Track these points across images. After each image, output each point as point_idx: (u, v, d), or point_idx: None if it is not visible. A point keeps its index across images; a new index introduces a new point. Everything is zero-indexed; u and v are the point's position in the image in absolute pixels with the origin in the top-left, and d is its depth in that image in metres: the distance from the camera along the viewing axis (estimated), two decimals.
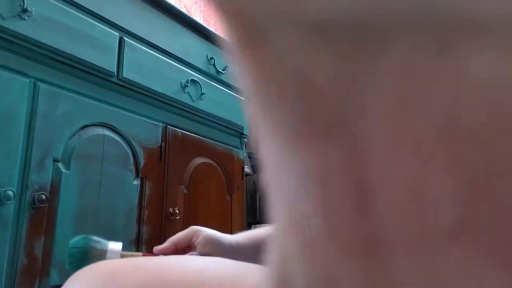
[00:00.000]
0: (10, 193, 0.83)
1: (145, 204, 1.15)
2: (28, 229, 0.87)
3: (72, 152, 0.98)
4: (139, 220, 1.12)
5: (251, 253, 0.60)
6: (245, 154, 1.59)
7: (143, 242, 1.12)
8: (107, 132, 1.08)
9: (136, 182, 1.13)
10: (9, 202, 0.83)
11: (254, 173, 2.39)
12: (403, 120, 0.10)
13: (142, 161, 1.15)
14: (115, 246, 0.56)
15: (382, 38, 0.10)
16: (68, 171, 0.97)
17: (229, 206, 1.47)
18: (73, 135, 0.99)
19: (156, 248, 0.60)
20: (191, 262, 0.36)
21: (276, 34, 0.10)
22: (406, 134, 0.10)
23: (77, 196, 0.98)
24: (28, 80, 0.92)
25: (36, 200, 0.88)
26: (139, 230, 1.11)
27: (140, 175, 1.15)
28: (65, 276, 0.98)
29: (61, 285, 0.96)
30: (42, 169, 0.91)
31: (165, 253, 0.59)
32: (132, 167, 1.13)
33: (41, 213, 0.90)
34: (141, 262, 0.35)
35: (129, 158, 1.12)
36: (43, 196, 0.89)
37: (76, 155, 0.99)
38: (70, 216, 0.95)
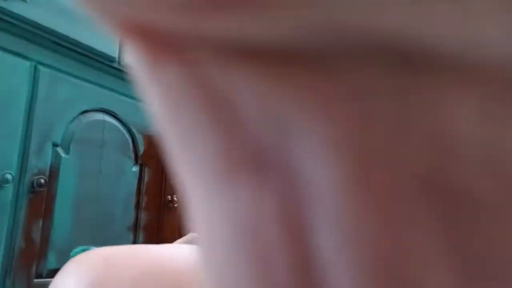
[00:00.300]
0: (9, 176, 0.83)
1: (144, 191, 1.15)
2: (26, 212, 0.87)
3: (71, 137, 0.98)
4: (138, 206, 1.13)
5: None
6: None
7: (140, 228, 1.12)
8: (107, 118, 1.07)
9: (135, 169, 1.13)
10: (7, 185, 0.83)
11: None
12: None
13: (141, 148, 1.15)
14: None
15: (321, 67, 0.08)
16: (68, 156, 0.97)
17: None
18: (73, 120, 0.99)
19: None
20: (194, 250, 0.35)
21: (190, 53, 0.08)
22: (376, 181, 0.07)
23: (76, 181, 0.98)
24: (29, 63, 0.91)
25: (35, 184, 0.88)
26: (137, 216, 1.12)
27: (139, 161, 1.15)
28: (63, 260, 0.99)
29: (58, 268, 0.96)
30: (41, 153, 0.91)
31: None
32: (132, 154, 1.13)
33: (39, 197, 0.90)
34: (138, 250, 0.34)
35: (128, 145, 1.12)
36: (42, 180, 0.89)
37: (76, 140, 0.99)
38: (69, 201, 0.96)
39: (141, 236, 1.12)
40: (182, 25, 0.08)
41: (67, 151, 0.97)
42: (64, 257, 0.94)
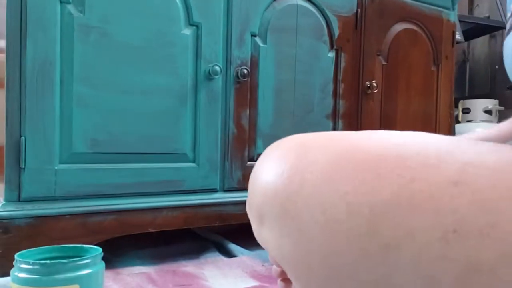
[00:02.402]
0: (217, 68, 0.88)
1: (341, 78, 1.10)
2: (235, 101, 0.93)
3: (267, 26, 0.97)
4: (335, 94, 1.09)
5: None
6: (456, 17, 1.33)
7: (339, 117, 1.10)
8: (300, 2, 1.02)
9: (331, 55, 1.08)
10: (217, 77, 0.89)
11: (464, 40, 2.04)
12: None
13: (336, 32, 1.08)
14: None
15: None
16: (265, 45, 0.97)
17: (434, 78, 1.30)
18: (268, 7, 0.97)
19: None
20: (394, 135, 0.31)
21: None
22: None
23: (275, 70, 0.99)
24: None
25: (239, 75, 0.92)
26: (335, 104, 1.09)
27: (335, 46, 1.08)
28: (269, 145, 1.05)
29: None
30: (242, 44, 0.94)
31: (277, 275, 0.45)
32: (327, 38, 1.07)
33: (244, 87, 0.95)
34: (335, 135, 0.33)
35: (323, 29, 1.06)
36: (245, 71, 0.93)
37: (272, 28, 0.98)
38: (270, 89, 0.98)
39: (340, 123, 1.10)
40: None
41: (264, 40, 0.97)
42: (270, 143, 1.00)
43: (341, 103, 1.10)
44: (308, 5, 1.03)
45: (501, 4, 1.99)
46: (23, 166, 0.72)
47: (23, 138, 0.72)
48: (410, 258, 0.24)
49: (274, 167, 0.33)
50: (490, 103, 1.94)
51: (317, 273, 0.29)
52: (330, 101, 1.08)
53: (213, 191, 0.91)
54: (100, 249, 0.50)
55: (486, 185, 0.24)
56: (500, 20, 1.96)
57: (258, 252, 0.94)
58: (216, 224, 0.92)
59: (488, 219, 0.23)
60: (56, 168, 0.75)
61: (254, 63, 0.96)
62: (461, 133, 1.23)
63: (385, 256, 0.25)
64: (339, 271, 0.27)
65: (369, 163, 0.28)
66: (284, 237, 0.30)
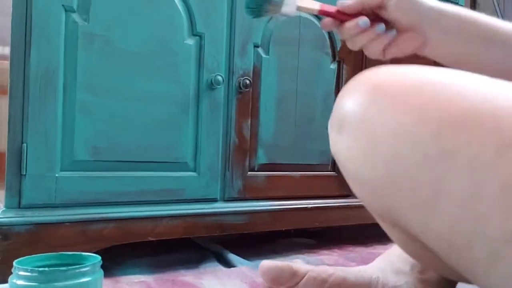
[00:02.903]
0: (220, 78, 0.89)
1: None
2: (236, 111, 0.94)
3: (270, 37, 0.98)
4: None
5: (453, 32, 0.51)
6: None
7: None
8: (302, 13, 1.03)
9: (333, 66, 1.08)
10: (219, 86, 0.90)
11: None
12: None
13: (339, 43, 1.08)
14: None
15: None
16: (268, 56, 0.98)
17: None
18: (271, 18, 0.98)
19: (340, 2, 0.53)
20: (476, 77, 0.34)
21: None
22: None
23: (277, 80, 0.99)
24: None
25: (241, 85, 0.93)
26: None
27: (337, 58, 1.09)
28: (271, 156, 1.05)
29: (267, 163, 1.03)
30: (244, 54, 0.94)
31: (350, 9, 0.52)
32: (329, 50, 1.07)
33: (246, 97, 0.95)
34: (409, 69, 0.36)
35: (325, 41, 1.07)
36: (247, 81, 0.93)
37: (274, 39, 0.99)
38: (272, 100, 0.99)
39: None
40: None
41: (267, 51, 0.98)
42: (271, 153, 1.01)
43: None
44: (311, 17, 1.04)
45: (501, 13, 2.01)
46: (24, 173, 0.72)
47: (24, 145, 0.72)
48: (466, 163, 0.28)
49: (364, 82, 0.37)
50: None
51: (380, 173, 0.33)
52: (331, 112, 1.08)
53: (214, 200, 0.91)
54: (99, 257, 0.50)
55: None
56: None
57: (258, 262, 0.93)
58: (216, 234, 0.91)
59: None
60: (57, 175, 0.75)
61: (257, 74, 0.97)
62: None
63: (443, 160, 0.29)
64: (400, 172, 0.31)
65: (442, 86, 0.32)
66: (358, 141, 0.35)
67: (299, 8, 0.54)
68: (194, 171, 0.89)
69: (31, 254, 0.50)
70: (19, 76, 0.72)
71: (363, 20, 0.51)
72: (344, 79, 1.10)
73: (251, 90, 0.95)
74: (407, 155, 0.31)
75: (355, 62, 1.13)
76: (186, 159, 0.88)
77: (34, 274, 0.44)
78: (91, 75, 0.78)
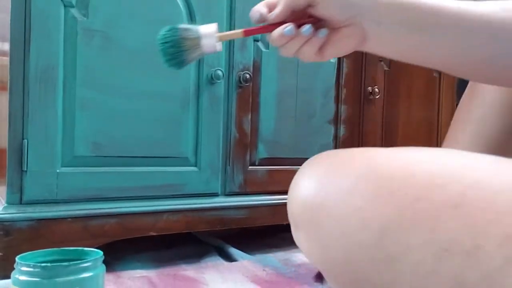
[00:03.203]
0: (220, 72, 0.89)
1: (343, 83, 1.10)
2: (237, 106, 0.94)
3: None
4: (337, 99, 1.10)
5: (394, 22, 0.43)
6: None
7: (341, 122, 1.10)
8: None
9: (333, 60, 1.08)
10: (219, 81, 0.90)
11: None
12: None
13: None
14: (209, 29, 0.49)
15: None
16: (268, 50, 0.98)
17: (436, 84, 1.30)
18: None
19: (267, 15, 0.47)
20: (414, 152, 0.34)
21: None
22: None
23: (277, 75, 0.99)
24: None
25: (241, 79, 0.93)
26: (337, 109, 1.09)
27: None
28: (271, 150, 1.05)
29: (268, 158, 1.03)
30: (244, 49, 0.94)
31: (280, 18, 0.46)
32: None
33: (247, 92, 0.95)
34: (359, 153, 0.37)
35: None
36: (247, 76, 0.93)
37: None
38: (272, 94, 0.99)
39: (342, 129, 1.10)
40: None
41: (266, 45, 0.98)
42: (272, 148, 1.01)
43: (343, 108, 1.10)
44: None
45: None
46: (25, 169, 0.72)
47: (25, 141, 0.72)
48: (409, 271, 0.28)
49: (306, 181, 0.38)
50: None
51: (340, 276, 0.34)
52: (332, 106, 1.08)
53: (215, 195, 0.91)
54: (101, 252, 0.50)
55: (479, 208, 0.26)
56: None
57: (259, 256, 0.94)
58: (217, 229, 0.91)
59: (475, 241, 0.25)
60: (58, 171, 0.75)
61: (257, 68, 0.96)
62: None
63: (391, 265, 0.29)
64: (356, 274, 0.32)
65: (382, 181, 0.32)
66: (312, 242, 0.36)
67: (220, 38, 0.49)
68: (195, 166, 0.89)
69: (32, 250, 0.51)
70: (19, 73, 0.72)
71: (288, 28, 0.45)
72: (344, 73, 1.10)
73: (251, 84, 0.95)
74: (357, 260, 0.31)
75: (355, 56, 1.12)
76: (187, 154, 0.88)
77: (37, 270, 0.45)
78: (90, 71, 0.77)
